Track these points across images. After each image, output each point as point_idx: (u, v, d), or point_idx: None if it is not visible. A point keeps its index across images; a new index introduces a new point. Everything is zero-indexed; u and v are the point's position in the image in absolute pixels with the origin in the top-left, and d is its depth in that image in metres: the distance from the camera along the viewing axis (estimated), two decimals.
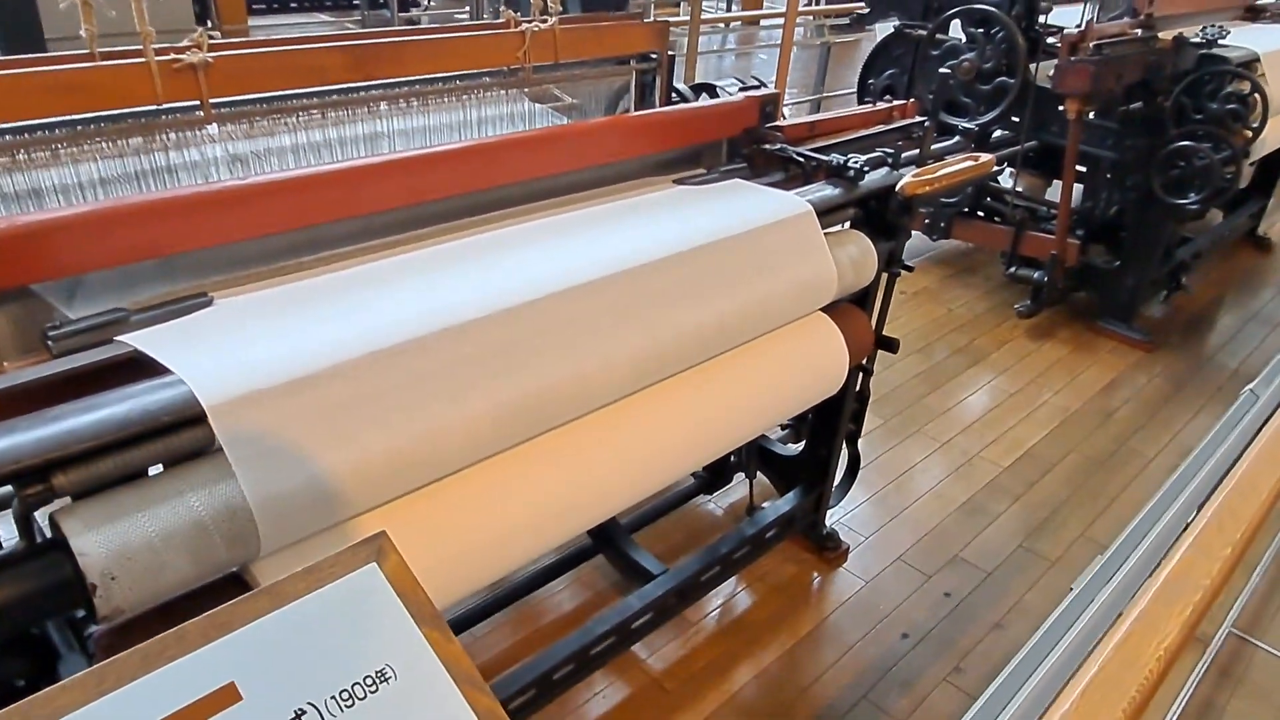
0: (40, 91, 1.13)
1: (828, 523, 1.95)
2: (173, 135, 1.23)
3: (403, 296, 1.05)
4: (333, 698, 0.60)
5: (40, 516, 0.82)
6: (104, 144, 1.17)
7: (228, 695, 0.58)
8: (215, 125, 1.26)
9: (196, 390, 0.82)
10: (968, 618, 1.79)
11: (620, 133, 1.42)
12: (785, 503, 1.83)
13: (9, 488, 0.76)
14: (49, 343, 0.91)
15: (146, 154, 1.21)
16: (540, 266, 1.11)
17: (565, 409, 1.08)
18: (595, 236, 1.22)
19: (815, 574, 1.88)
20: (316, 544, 0.91)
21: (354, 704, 0.60)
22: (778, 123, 1.58)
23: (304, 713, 0.59)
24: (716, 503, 2.02)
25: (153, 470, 0.85)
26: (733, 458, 1.93)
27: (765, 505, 1.85)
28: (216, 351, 0.90)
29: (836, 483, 1.90)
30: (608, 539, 1.71)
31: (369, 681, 0.61)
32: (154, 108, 1.20)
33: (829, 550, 1.91)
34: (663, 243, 1.18)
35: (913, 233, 2.14)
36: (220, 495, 0.83)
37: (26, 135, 1.12)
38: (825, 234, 1.39)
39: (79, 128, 1.15)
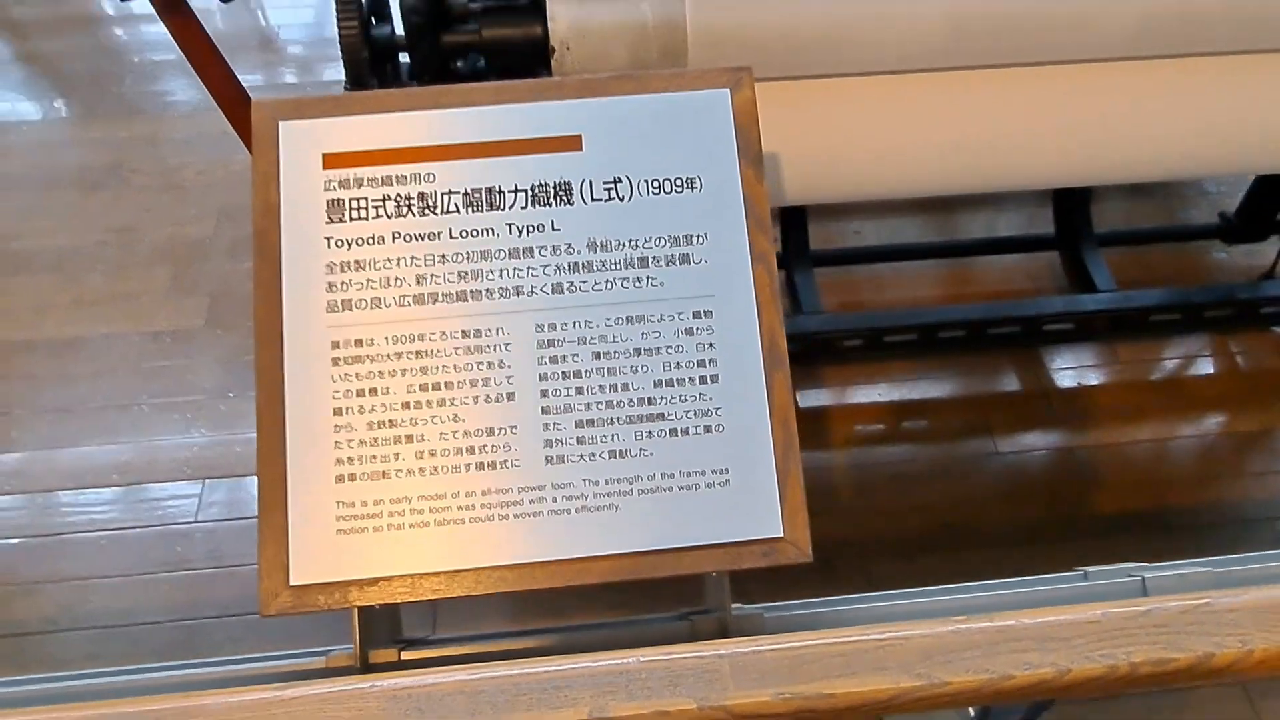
0: None
1: None
2: None
3: None
4: (645, 180, 0.69)
5: None
6: None
7: (572, 143, 0.70)
8: None
9: None
10: None
11: None
12: None
13: None
14: None
15: None
16: None
17: (1036, 47, 0.95)
18: None
19: None
20: None
21: (659, 194, 0.69)
22: None
23: (619, 181, 0.70)
24: (1230, 254, 1.68)
25: None
26: None
27: None
28: None
29: None
30: (1072, 236, 1.55)
31: (678, 181, 0.70)
32: None
33: None
34: None
35: None
36: (669, 9, 0.92)
37: None
38: None
39: None
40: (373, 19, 0.97)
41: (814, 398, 1.52)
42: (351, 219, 0.67)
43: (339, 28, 0.84)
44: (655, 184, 0.70)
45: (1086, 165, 1.02)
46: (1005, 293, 1.64)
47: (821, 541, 1.37)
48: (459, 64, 0.96)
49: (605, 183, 0.69)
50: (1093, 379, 1.54)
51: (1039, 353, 1.56)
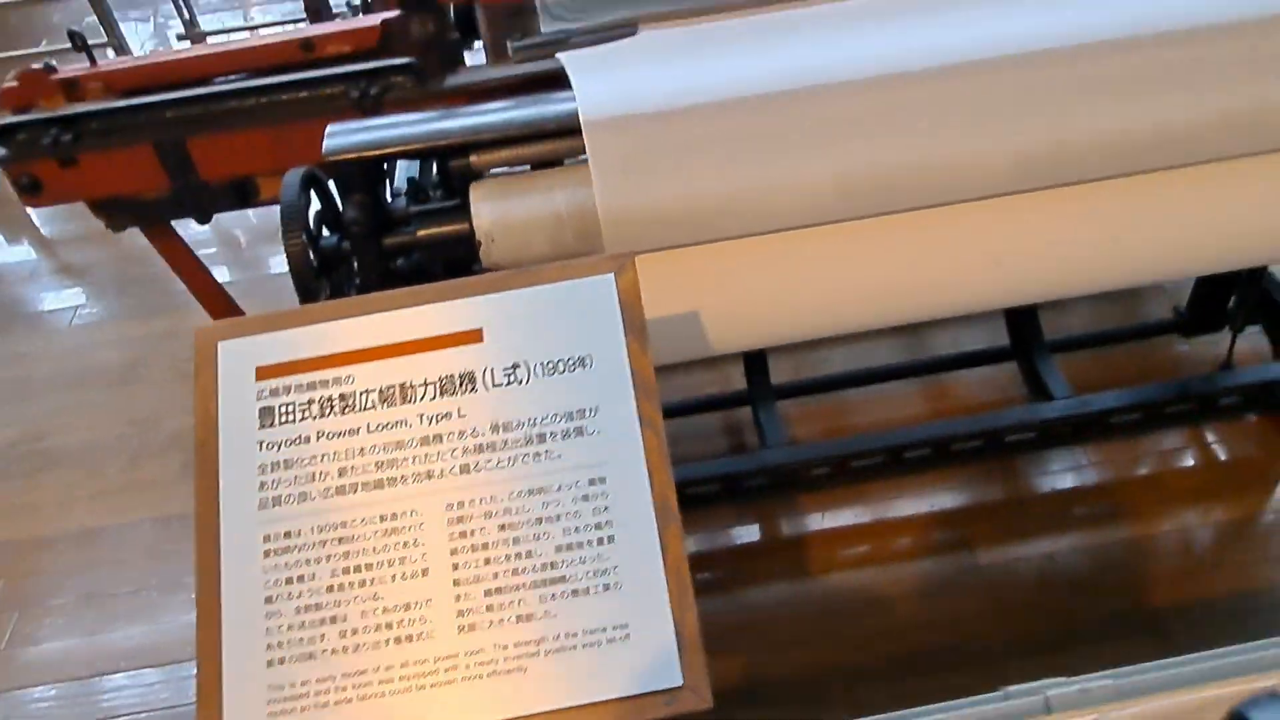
0: None
1: None
2: None
3: (805, 48, 1.08)
4: (541, 363, 0.78)
5: None
6: None
7: (474, 336, 0.79)
8: None
9: (581, 107, 0.99)
10: None
11: None
12: (1276, 370, 1.50)
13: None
14: (510, 52, 1.16)
15: None
16: (942, 34, 1.03)
17: (922, 194, 1.04)
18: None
19: None
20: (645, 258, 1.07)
21: (554, 374, 0.77)
22: None
23: (518, 366, 0.78)
24: (1193, 345, 1.71)
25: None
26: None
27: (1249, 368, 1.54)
28: (616, 76, 1.06)
29: None
30: (1025, 346, 1.60)
31: (571, 361, 0.78)
32: None
33: None
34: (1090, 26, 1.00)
35: None
36: (579, 197, 1.02)
37: None
38: None
39: None
40: (324, 229, 1.09)
41: (792, 525, 1.55)
42: (281, 422, 0.76)
43: (285, 246, 0.96)
44: (551, 365, 0.78)
45: (980, 294, 1.09)
46: (975, 405, 1.68)
47: (809, 669, 1.38)
48: (400, 263, 1.06)
49: (505, 369, 0.77)
50: (1067, 483, 1.56)
51: (1010, 463, 1.59)
